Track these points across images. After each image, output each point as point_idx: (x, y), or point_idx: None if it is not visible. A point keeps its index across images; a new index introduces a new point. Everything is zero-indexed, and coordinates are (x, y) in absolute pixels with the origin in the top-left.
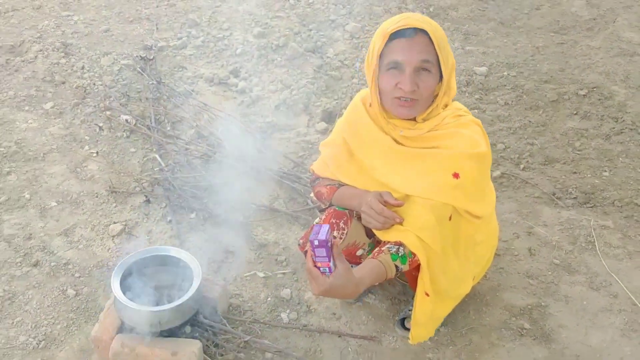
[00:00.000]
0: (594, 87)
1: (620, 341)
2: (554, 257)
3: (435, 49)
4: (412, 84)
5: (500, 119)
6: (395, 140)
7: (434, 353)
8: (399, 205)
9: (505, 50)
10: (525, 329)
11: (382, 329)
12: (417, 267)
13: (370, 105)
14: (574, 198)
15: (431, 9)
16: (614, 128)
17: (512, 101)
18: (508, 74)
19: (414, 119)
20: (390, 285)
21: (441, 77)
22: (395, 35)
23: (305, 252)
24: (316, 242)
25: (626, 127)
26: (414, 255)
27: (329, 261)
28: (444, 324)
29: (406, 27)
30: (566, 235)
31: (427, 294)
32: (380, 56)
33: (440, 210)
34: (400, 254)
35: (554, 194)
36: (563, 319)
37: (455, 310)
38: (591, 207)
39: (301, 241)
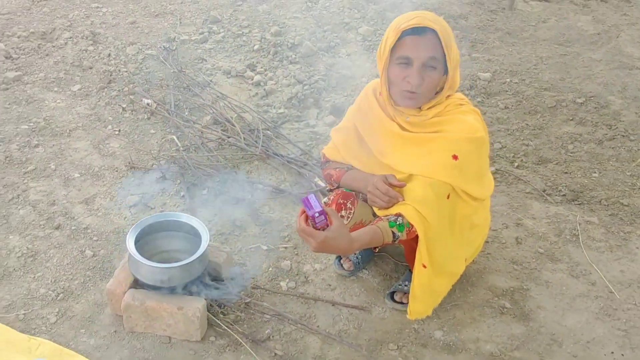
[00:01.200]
0: (592, 96)
1: (594, 323)
2: (539, 246)
3: (442, 47)
4: (419, 78)
5: (500, 121)
6: (401, 127)
7: (419, 324)
8: (401, 186)
9: (509, 58)
10: (506, 308)
11: (373, 300)
12: (415, 239)
13: (379, 94)
14: (563, 195)
15: (442, 17)
16: (606, 134)
17: (512, 105)
18: (510, 81)
19: (419, 108)
20: (384, 262)
21: (446, 72)
22: (407, 32)
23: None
24: (317, 214)
25: (619, 134)
26: (412, 226)
27: (326, 220)
28: None
29: (418, 25)
30: (552, 227)
31: (424, 266)
32: (392, 50)
33: (439, 188)
34: (398, 223)
35: (544, 191)
36: (542, 301)
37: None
38: (579, 204)
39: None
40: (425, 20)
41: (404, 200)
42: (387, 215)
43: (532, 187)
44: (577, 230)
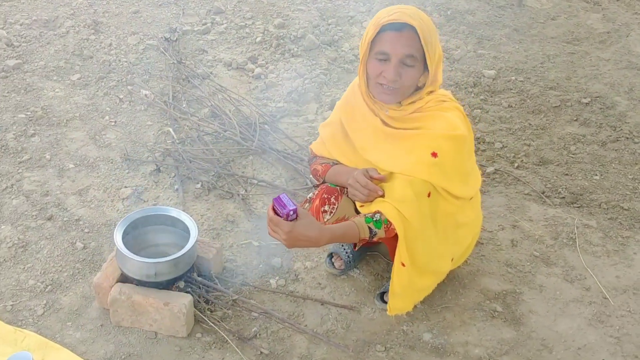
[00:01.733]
0: (597, 97)
1: (586, 329)
2: (535, 249)
3: (421, 44)
4: (395, 74)
5: (502, 120)
6: (383, 122)
7: (408, 326)
8: (382, 180)
9: (515, 56)
10: (497, 311)
11: (363, 300)
12: (396, 238)
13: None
14: (562, 198)
15: (449, 12)
16: (610, 136)
17: (516, 104)
18: (515, 79)
19: (400, 103)
20: (375, 262)
21: (426, 68)
22: (385, 27)
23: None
24: (292, 213)
25: (623, 136)
26: (390, 223)
27: (296, 216)
28: (421, 301)
29: (396, 21)
30: (549, 230)
31: (403, 264)
32: (371, 44)
33: (418, 186)
34: (375, 219)
35: (543, 192)
36: (534, 306)
37: (433, 290)
38: (578, 207)
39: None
40: (405, 15)
41: (384, 193)
42: (367, 213)
43: (531, 188)
44: (575, 233)
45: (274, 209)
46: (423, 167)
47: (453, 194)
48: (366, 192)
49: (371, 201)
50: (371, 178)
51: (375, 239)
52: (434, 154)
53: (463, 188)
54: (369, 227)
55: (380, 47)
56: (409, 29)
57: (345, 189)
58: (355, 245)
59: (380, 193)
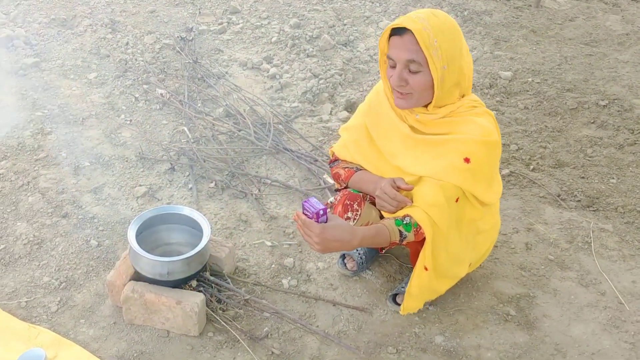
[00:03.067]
0: (615, 99)
1: (600, 335)
2: (549, 253)
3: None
4: (399, 80)
5: (518, 122)
6: (412, 128)
7: (420, 328)
8: (409, 190)
9: (533, 57)
10: (511, 315)
11: (375, 302)
12: (422, 242)
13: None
14: (578, 201)
15: (465, 13)
16: (628, 139)
17: (532, 106)
18: (532, 80)
19: (427, 108)
20: (387, 263)
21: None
22: (392, 32)
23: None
24: (321, 213)
25: None
26: (419, 227)
27: (327, 218)
28: (434, 303)
29: (398, 25)
30: (564, 234)
31: (426, 268)
32: (384, 50)
33: (449, 191)
34: (405, 222)
35: (558, 195)
36: (548, 310)
37: (446, 293)
38: (594, 210)
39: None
40: (408, 20)
41: (412, 204)
42: (396, 216)
43: (547, 191)
44: (590, 237)
45: (304, 213)
46: (455, 172)
47: (480, 200)
48: (395, 204)
49: (399, 211)
50: (398, 188)
51: (404, 243)
52: (467, 160)
53: (489, 194)
54: (399, 230)
55: (388, 52)
56: (409, 34)
57: (368, 196)
58: (382, 248)
59: (410, 203)
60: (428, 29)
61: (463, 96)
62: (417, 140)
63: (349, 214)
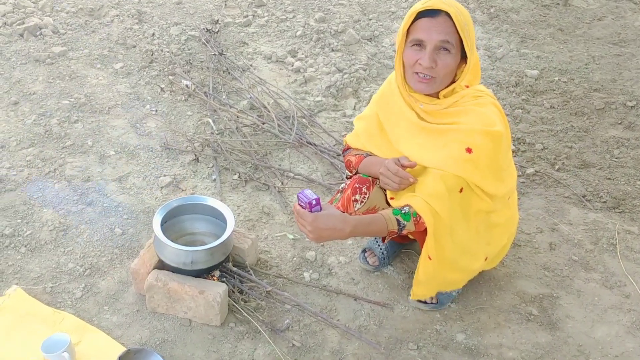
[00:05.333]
0: None
1: (624, 337)
2: (573, 253)
3: (457, 30)
4: (430, 61)
5: (544, 121)
6: (419, 116)
7: (442, 325)
8: (412, 167)
9: (560, 56)
10: (533, 315)
11: (396, 298)
12: (426, 232)
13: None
14: (604, 202)
15: (492, 10)
16: None
17: (558, 105)
18: (559, 79)
19: (437, 96)
20: (409, 260)
21: (462, 58)
22: (420, 15)
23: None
24: (314, 202)
25: None
26: (419, 216)
27: (320, 208)
28: (455, 301)
29: (430, 7)
30: (589, 235)
31: (430, 257)
32: (407, 33)
33: (450, 181)
34: (403, 212)
35: (584, 196)
36: (572, 311)
37: (468, 290)
38: (619, 212)
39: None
40: (439, 2)
41: (415, 180)
42: (396, 206)
43: (572, 191)
44: (615, 239)
45: (299, 204)
46: (456, 162)
47: (486, 192)
48: (397, 180)
49: (403, 189)
50: (402, 166)
51: (404, 232)
52: (469, 150)
53: (497, 185)
54: (397, 219)
55: (416, 34)
56: (444, 15)
57: (378, 180)
58: (384, 238)
59: (412, 180)
60: (459, 13)
61: (468, 86)
62: (422, 127)
63: (357, 197)
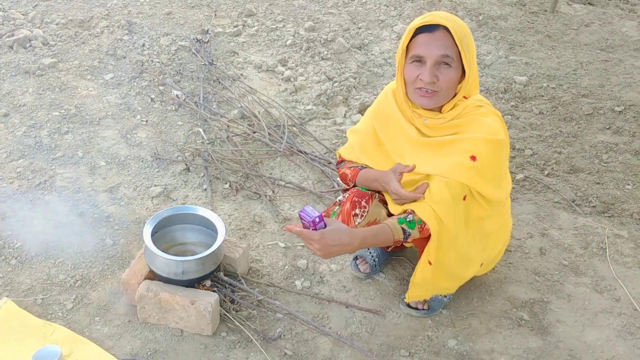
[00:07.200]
0: (631, 105)
1: (615, 341)
2: (564, 258)
3: (456, 44)
4: (431, 76)
5: (532, 127)
6: (419, 131)
7: (433, 332)
8: (411, 170)
9: (548, 62)
10: (524, 320)
11: (388, 305)
12: (428, 238)
13: (398, 96)
14: (593, 207)
15: (480, 18)
16: None
17: (547, 111)
18: (547, 85)
19: (439, 110)
20: (401, 266)
21: (463, 71)
22: (419, 31)
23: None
24: (317, 220)
25: None
26: (424, 223)
27: (324, 224)
28: (447, 307)
29: (429, 23)
30: (579, 240)
31: (430, 263)
32: (407, 49)
33: (454, 188)
34: (408, 219)
35: (573, 201)
36: (562, 315)
37: (459, 296)
38: (609, 216)
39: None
40: (437, 17)
41: (423, 197)
42: (400, 214)
43: (561, 196)
44: (605, 243)
45: (302, 223)
46: (461, 170)
47: (486, 198)
48: (409, 201)
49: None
50: (401, 174)
51: (409, 240)
52: (473, 158)
53: (496, 192)
54: (403, 228)
55: (415, 50)
56: (442, 30)
57: (377, 193)
58: (388, 247)
59: (421, 197)
60: (457, 26)
61: (466, 97)
62: (424, 142)
63: (357, 211)
